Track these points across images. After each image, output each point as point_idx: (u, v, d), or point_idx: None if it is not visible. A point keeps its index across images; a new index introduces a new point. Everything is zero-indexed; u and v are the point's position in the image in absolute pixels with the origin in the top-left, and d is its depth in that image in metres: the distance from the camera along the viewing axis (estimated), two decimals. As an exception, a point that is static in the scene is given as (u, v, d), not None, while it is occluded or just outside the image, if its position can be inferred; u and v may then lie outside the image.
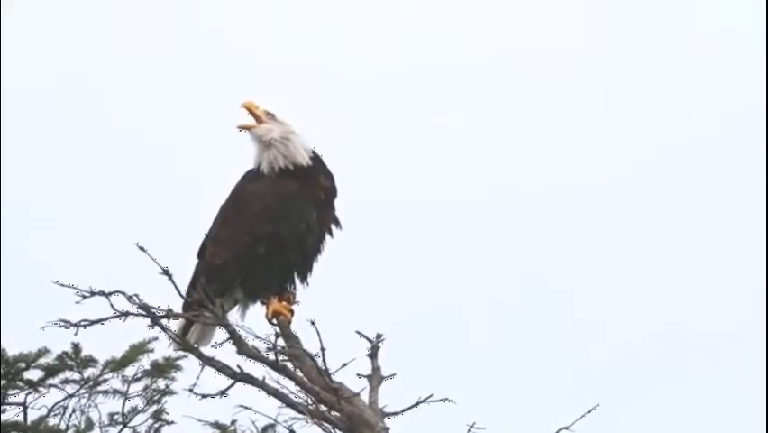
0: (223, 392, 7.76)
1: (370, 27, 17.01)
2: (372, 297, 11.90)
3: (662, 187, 16.33)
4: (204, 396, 7.80)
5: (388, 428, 7.67)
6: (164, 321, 7.82)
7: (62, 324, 7.64)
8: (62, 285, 7.51)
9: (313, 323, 7.44)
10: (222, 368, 7.77)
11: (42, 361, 9.89)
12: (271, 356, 7.72)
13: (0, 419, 9.77)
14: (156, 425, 10.13)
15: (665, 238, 15.96)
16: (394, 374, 7.92)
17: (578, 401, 7.97)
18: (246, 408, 7.75)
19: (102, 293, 7.59)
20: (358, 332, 8.01)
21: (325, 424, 7.60)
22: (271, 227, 8.11)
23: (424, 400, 7.82)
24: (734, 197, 15.92)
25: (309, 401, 7.67)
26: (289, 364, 7.77)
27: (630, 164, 16.42)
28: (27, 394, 9.92)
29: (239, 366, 7.74)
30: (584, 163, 16.39)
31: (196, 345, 8.07)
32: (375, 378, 7.92)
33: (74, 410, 9.99)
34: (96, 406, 10.04)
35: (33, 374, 9.92)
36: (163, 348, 9.36)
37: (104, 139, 15.66)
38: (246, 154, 8.39)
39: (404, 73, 16.58)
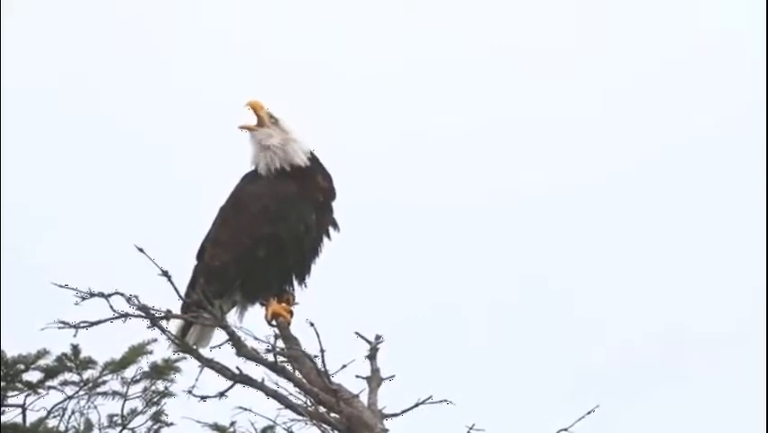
0: (222, 394, 7.75)
1: (370, 27, 17.00)
2: (372, 297, 11.91)
3: (662, 187, 16.33)
4: (203, 397, 7.79)
5: (387, 430, 7.66)
6: (163, 322, 7.81)
7: (61, 325, 7.62)
8: (61, 286, 7.50)
9: (312, 324, 7.44)
10: (221, 369, 7.76)
11: (42, 362, 9.90)
12: (270, 358, 7.71)
13: None
14: (155, 426, 10.14)
15: (665, 238, 15.96)
16: (393, 376, 7.91)
17: (578, 402, 7.96)
18: (245, 409, 7.72)
19: (101, 295, 7.56)
20: (357, 333, 8.01)
21: (324, 425, 7.59)
22: (270, 229, 8.09)
23: (423, 402, 7.81)
24: (734, 197, 15.92)
25: (308, 403, 7.65)
26: (288, 366, 7.75)
27: (630, 164, 16.42)
28: (26, 396, 9.92)
29: (238, 368, 7.73)
30: (584, 163, 16.39)
31: (195, 347, 8.04)
32: (374, 379, 7.91)
33: (73, 412, 10.00)
34: (95, 407, 10.06)
35: (33, 376, 9.94)
36: (162, 350, 9.32)
37: (104, 139, 15.67)
38: (246, 155, 8.37)
39: (404, 73, 16.58)
